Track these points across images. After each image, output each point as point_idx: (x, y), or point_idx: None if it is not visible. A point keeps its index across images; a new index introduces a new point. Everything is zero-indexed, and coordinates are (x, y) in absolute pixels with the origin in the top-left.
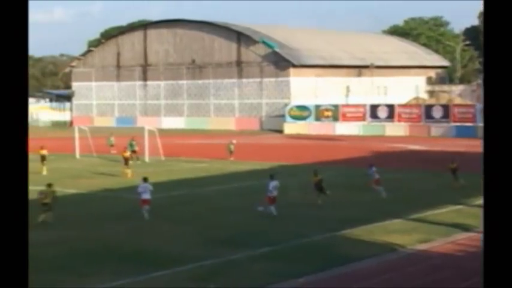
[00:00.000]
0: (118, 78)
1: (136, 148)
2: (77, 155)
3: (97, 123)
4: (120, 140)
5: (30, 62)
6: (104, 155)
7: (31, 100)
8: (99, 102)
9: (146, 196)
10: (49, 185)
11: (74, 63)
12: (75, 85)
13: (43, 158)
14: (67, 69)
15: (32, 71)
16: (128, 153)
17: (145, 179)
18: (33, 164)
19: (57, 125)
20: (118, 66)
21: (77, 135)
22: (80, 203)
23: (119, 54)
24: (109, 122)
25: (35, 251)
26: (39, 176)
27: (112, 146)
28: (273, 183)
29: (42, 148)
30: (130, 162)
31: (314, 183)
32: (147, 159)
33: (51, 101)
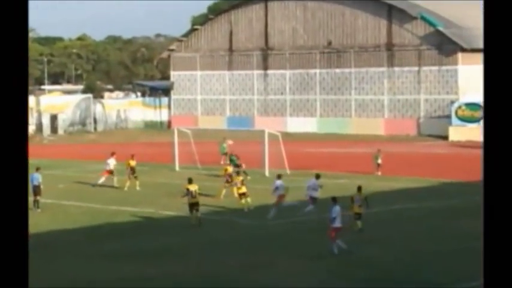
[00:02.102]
0: (230, 66)
1: (229, 153)
2: (177, 167)
3: (203, 125)
4: (235, 147)
5: (118, 45)
6: (212, 167)
7: (118, 94)
8: (205, 97)
9: (280, 192)
10: (190, 181)
11: (173, 47)
12: (175, 75)
13: (133, 170)
14: (164, 54)
15: (119, 56)
16: (230, 168)
17: (279, 176)
18: (121, 177)
19: (151, 126)
20: (230, 50)
21: (176, 140)
22: (181, 229)
23: (231, 35)
24: (218, 123)
25: (134, 286)
26: (131, 193)
27: (225, 154)
28: (279, 182)
29: (132, 157)
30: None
31: None
32: (267, 172)
33: (143, 95)
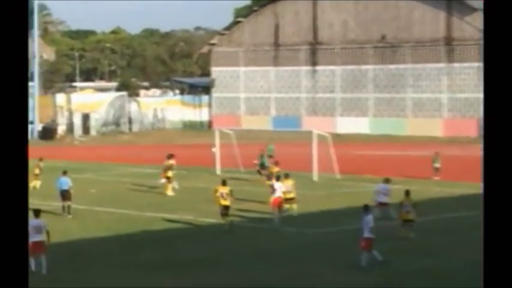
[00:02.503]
0: (276, 61)
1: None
2: (218, 170)
3: (246, 125)
4: (281, 149)
5: (155, 39)
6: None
7: (154, 92)
8: (249, 95)
9: (383, 199)
10: (223, 182)
11: (214, 41)
12: (216, 71)
13: (169, 173)
14: (205, 49)
15: (156, 51)
16: (276, 168)
17: (387, 180)
18: (152, 180)
19: (191, 126)
20: (276, 44)
21: (217, 141)
22: (222, 237)
23: (277, 28)
24: (263, 123)
25: None
26: (169, 199)
27: (271, 157)
28: (278, 184)
29: (170, 157)
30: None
31: None
32: (314, 176)
33: (182, 93)
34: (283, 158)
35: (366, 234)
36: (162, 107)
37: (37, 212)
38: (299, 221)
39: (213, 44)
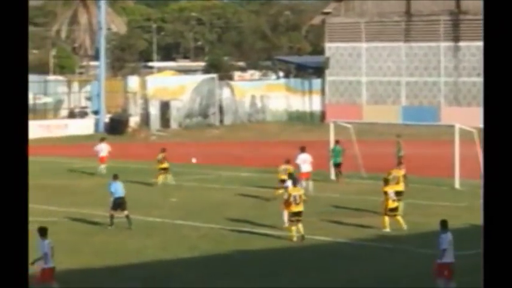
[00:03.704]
0: (407, 36)
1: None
2: (332, 175)
3: (369, 117)
4: (412, 149)
5: (253, 7)
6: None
7: (252, 74)
8: (372, 78)
9: None
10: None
11: (329, 9)
12: (331, 48)
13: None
14: (316, 20)
15: (255, 22)
16: (401, 171)
17: None
18: (248, 187)
19: (298, 118)
20: (408, 14)
21: (332, 137)
22: (340, 260)
23: None
24: (391, 114)
25: None
26: (268, 210)
27: (401, 157)
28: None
29: (288, 162)
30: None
31: None
32: (457, 183)
33: (287, 75)
34: (415, 159)
35: (446, 259)
36: (262, 94)
37: (43, 231)
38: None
39: (328, 14)
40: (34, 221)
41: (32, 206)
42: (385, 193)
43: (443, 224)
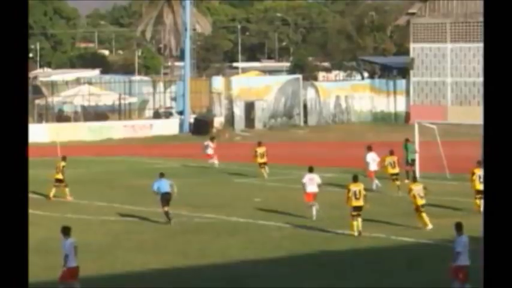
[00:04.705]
0: None
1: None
2: (417, 174)
3: (454, 118)
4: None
5: (338, 8)
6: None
7: (337, 75)
8: (457, 79)
9: None
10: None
11: (414, 9)
12: (416, 48)
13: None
14: (401, 20)
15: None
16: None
17: None
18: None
19: (383, 119)
20: None
21: (417, 138)
22: (429, 261)
23: None
24: (476, 115)
25: None
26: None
27: (413, 160)
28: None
29: (392, 154)
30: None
31: None
32: None
33: (372, 76)
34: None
35: (461, 262)
36: (347, 94)
37: (67, 230)
38: None
39: (413, 14)
40: (118, 221)
41: (117, 206)
42: None
43: (458, 227)
